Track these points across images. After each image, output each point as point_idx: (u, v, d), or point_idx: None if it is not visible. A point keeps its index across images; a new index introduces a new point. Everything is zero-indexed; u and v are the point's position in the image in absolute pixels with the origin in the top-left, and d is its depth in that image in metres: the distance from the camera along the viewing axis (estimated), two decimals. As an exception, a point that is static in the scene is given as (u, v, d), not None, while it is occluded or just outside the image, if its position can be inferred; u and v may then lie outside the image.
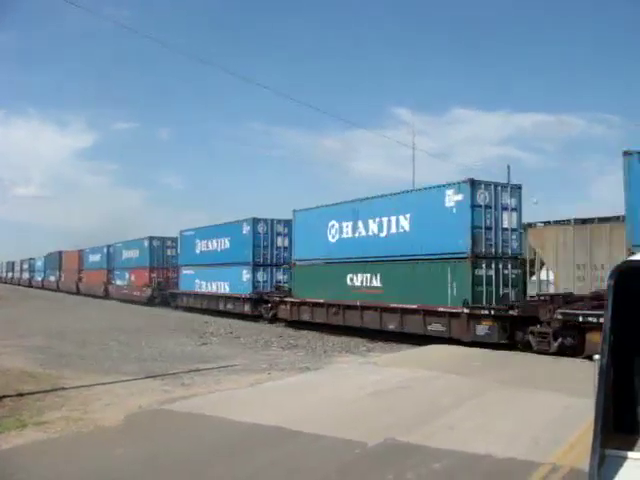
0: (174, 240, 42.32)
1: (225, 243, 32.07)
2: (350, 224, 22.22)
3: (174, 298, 39.11)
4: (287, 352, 17.85)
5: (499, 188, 18.27)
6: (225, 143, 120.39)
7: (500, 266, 17.95)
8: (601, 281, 18.30)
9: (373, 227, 21.10)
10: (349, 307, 21.77)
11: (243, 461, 6.87)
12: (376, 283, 20.80)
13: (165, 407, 9.70)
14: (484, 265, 17.69)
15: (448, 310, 17.79)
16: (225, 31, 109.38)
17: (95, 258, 56.62)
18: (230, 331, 23.96)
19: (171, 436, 8.03)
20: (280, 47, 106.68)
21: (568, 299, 16.00)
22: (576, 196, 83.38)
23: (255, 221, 29.42)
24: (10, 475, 6.46)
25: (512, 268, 18.37)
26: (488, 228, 17.84)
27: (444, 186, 18.39)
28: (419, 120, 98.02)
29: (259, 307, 28.53)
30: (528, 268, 21.50)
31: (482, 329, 16.88)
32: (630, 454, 3.16)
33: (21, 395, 10.34)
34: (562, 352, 14.73)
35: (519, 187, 18.90)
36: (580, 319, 14.39)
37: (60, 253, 69.20)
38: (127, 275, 47.56)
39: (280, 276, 29.49)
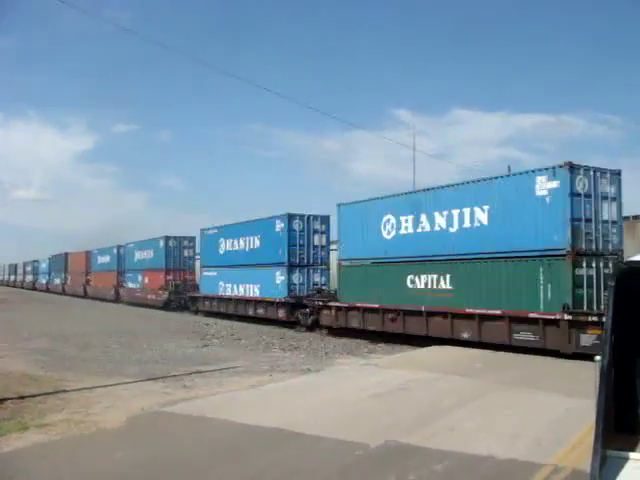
0: (191, 240, 40.26)
1: (254, 242, 29.20)
2: (410, 218, 19.66)
3: (194, 302, 36.20)
4: (288, 354, 17.85)
5: (598, 174, 15.93)
6: (225, 144, 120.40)
7: (601, 264, 15.59)
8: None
9: (440, 221, 18.57)
10: (410, 313, 19.16)
11: (244, 463, 6.87)
12: (444, 285, 18.28)
13: (166, 409, 9.70)
14: (585, 264, 15.37)
15: (542, 316, 15.32)
16: (224, 32, 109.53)
17: (104, 260, 53.90)
18: (231, 333, 23.96)
19: (172, 438, 8.03)
20: (279, 48, 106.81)
21: None
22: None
23: (290, 217, 26.65)
24: (11, 478, 6.46)
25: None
26: (588, 220, 15.61)
27: (534, 172, 16.16)
28: (419, 121, 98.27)
29: (296, 312, 25.57)
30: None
31: (588, 339, 14.34)
32: (632, 455, 3.16)
33: (22, 398, 10.34)
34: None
35: (619, 173, 16.44)
36: None
37: (66, 255, 66.49)
38: (140, 277, 44.75)
39: (317, 278, 27.05)
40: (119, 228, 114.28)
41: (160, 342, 20.17)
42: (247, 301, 29.75)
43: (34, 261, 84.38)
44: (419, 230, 19.37)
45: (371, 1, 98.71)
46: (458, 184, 18.78)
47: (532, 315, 15.51)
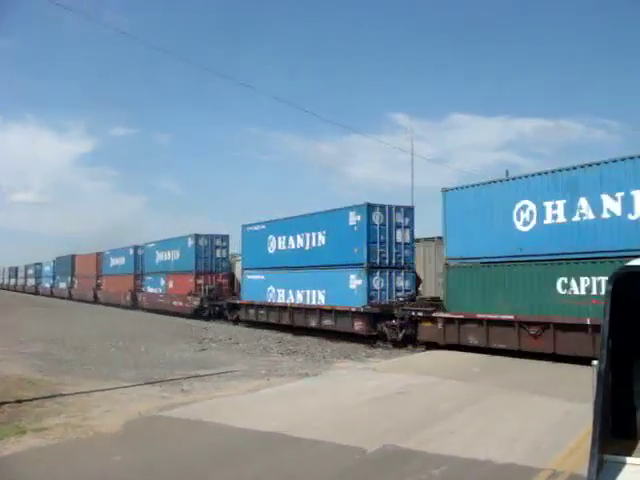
0: (224, 238, 35.85)
1: (318, 239, 24.30)
2: (560, 204, 15.46)
3: (233, 310, 31.19)
4: (286, 358, 17.83)
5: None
6: (223, 148, 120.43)
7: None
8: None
9: (611, 205, 14.36)
10: (565, 327, 14.73)
11: (242, 467, 6.86)
12: None
13: (164, 413, 9.68)
14: None
15: None
16: (222, 34, 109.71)
17: (118, 262, 48.70)
18: (229, 337, 23.93)
19: (170, 442, 8.02)
20: (279, 49, 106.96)
21: None
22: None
23: (370, 208, 21.92)
24: (8, 482, 6.44)
25: None
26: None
27: None
28: (417, 125, 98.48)
29: (379, 325, 20.95)
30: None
31: None
32: (629, 459, 3.16)
33: (20, 401, 10.31)
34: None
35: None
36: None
37: (72, 257, 61.45)
38: (163, 281, 39.54)
39: (400, 282, 22.30)
40: (119, 230, 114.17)
41: (158, 346, 20.13)
42: (308, 310, 24.57)
43: (36, 264, 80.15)
44: (575, 219, 15.16)
45: (369, 5, 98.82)
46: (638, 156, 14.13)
47: None
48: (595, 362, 3.21)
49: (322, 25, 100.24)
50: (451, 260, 18.52)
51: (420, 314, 19.17)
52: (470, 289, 17.58)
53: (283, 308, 26.18)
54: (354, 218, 22.37)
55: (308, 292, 24.69)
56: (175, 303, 36.90)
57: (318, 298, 24.14)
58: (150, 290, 42.03)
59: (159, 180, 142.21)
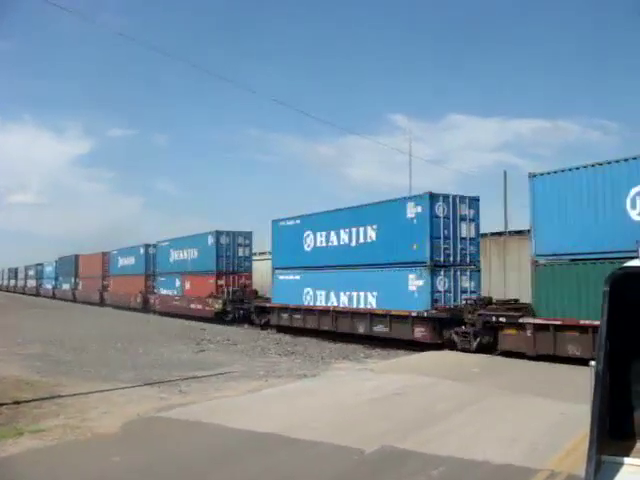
0: (247, 236, 33.20)
1: (368, 234, 21.49)
2: None
3: (261, 314, 28.50)
4: (284, 359, 17.83)
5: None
6: (221, 149, 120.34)
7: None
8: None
9: None
10: None
11: (240, 468, 6.87)
12: None
13: (162, 415, 9.68)
14: None
15: None
16: (221, 34, 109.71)
17: (127, 261, 45.83)
18: (227, 338, 23.92)
19: (168, 444, 8.02)
20: (278, 49, 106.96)
21: None
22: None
23: (432, 198, 19.22)
24: (6, 484, 6.44)
25: None
26: None
27: None
28: (415, 126, 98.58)
29: (447, 332, 18.35)
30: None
31: None
32: (626, 460, 3.18)
33: (18, 403, 10.31)
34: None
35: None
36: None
37: (76, 257, 59.04)
38: (178, 282, 36.67)
39: (466, 282, 19.92)
40: (116, 232, 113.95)
41: (156, 347, 20.13)
42: (356, 315, 21.80)
43: (37, 264, 77.54)
44: None
45: (367, 6, 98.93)
46: None
47: None
48: (593, 363, 3.22)
49: (322, 25, 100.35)
50: (541, 257, 16.14)
51: (502, 320, 16.64)
52: (568, 290, 15.09)
53: (324, 312, 23.30)
54: (413, 210, 19.54)
55: (355, 294, 21.97)
56: (193, 306, 34.18)
57: (368, 301, 21.36)
58: (163, 292, 39.15)
59: (157, 181, 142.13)
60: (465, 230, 19.88)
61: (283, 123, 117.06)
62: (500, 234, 22.34)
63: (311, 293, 24.32)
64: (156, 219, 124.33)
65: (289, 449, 7.59)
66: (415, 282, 19.36)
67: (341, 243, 22.88)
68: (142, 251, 42.72)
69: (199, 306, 33.50)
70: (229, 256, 32.61)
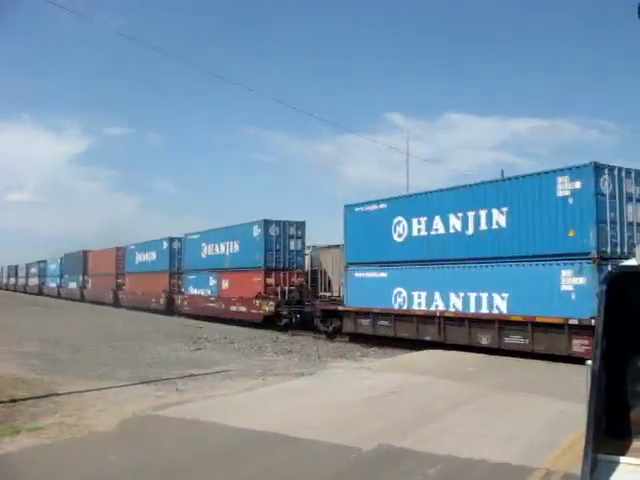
0: (300, 226, 28.62)
1: (493, 219, 16.83)
2: None
3: (328, 319, 23.49)
4: (281, 357, 17.84)
5: None
6: (220, 148, 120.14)
7: None
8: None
9: None
10: None
11: (237, 467, 6.86)
12: None
13: (159, 413, 9.67)
14: None
15: None
16: (221, 34, 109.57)
17: (147, 257, 41.16)
18: (224, 336, 23.92)
19: (164, 442, 8.01)
20: (278, 48, 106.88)
21: None
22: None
23: (597, 170, 14.74)
24: (3, 482, 6.43)
25: None
26: None
27: None
28: (413, 125, 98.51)
29: None
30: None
31: None
32: (622, 459, 3.18)
33: (14, 401, 10.28)
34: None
35: None
36: None
37: (85, 253, 55.03)
38: (213, 281, 32.14)
39: None
40: (115, 231, 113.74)
41: (153, 345, 20.12)
42: (475, 322, 17.23)
43: (40, 262, 73.46)
44: None
45: (370, 2, 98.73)
46: None
47: None
48: (589, 362, 3.23)
49: (321, 26, 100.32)
50: None
51: None
52: None
53: (427, 318, 18.77)
54: (567, 186, 15.08)
55: (473, 296, 17.33)
56: (234, 308, 29.51)
57: (494, 304, 16.79)
58: (193, 291, 34.64)
59: (156, 180, 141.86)
60: (631, 213, 15.19)
61: (281, 122, 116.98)
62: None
63: (404, 294, 19.69)
64: (155, 218, 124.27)
65: (287, 448, 7.58)
66: (572, 280, 14.85)
67: (450, 231, 18.15)
68: (165, 245, 38.07)
69: (242, 308, 28.79)
70: (279, 250, 27.92)
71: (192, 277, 35.08)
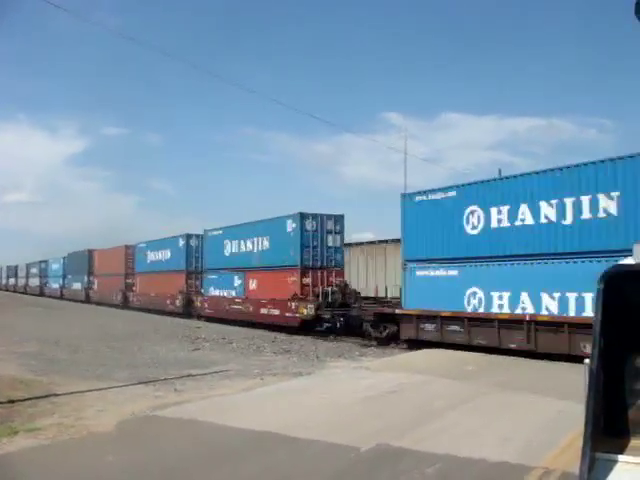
0: (339, 220, 25.79)
1: (598, 206, 14.57)
2: None
3: (382, 323, 20.73)
4: (280, 357, 17.83)
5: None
6: (218, 148, 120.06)
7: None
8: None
9: None
10: None
11: (236, 467, 6.85)
12: None
13: (157, 413, 9.66)
14: None
15: None
16: (220, 34, 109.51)
17: (161, 256, 38.56)
18: (222, 336, 23.90)
19: (163, 442, 8.00)
20: (277, 48, 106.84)
21: None
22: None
23: None
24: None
25: None
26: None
27: None
28: (410, 124, 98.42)
29: None
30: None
31: None
32: (620, 457, 3.19)
33: (12, 402, 10.26)
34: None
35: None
36: None
37: (90, 252, 52.67)
38: (238, 280, 29.40)
39: None
40: (115, 230, 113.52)
41: (151, 346, 20.11)
42: (575, 327, 14.45)
43: (41, 261, 71.34)
44: None
45: (370, 2, 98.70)
46: None
47: None
48: (587, 361, 3.23)
49: (321, 26, 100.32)
50: None
51: None
52: None
53: (512, 323, 16.23)
54: None
55: (572, 296, 14.80)
56: (265, 311, 26.59)
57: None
58: (215, 292, 31.94)
59: (153, 180, 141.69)
60: None
61: (280, 122, 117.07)
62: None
63: (480, 295, 17.20)
64: (154, 218, 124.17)
65: (286, 447, 7.58)
66: None
67: (541, 221, 15.77)
68: (182, 243, 35.42)
69: (275, 311, 25.79)
70: (316, 246, 25.05)
71: (213, 277, 32.41)
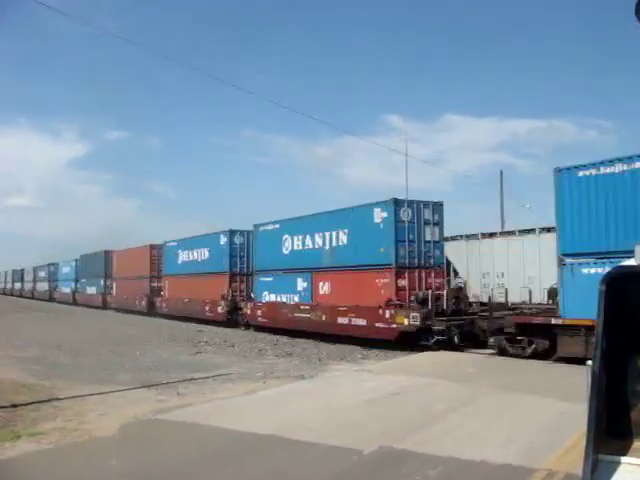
0: (437, 208, 20.80)
1: None
2: None
3: (524, 337, 16.10)
4: (282, 360, 17.81)
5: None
6: (220, 151, 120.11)
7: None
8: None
9: None
10: None
11: (239, 470, 6.86)
12: None
13: (160, 417, 9.67)
14: None
15: None
16: (220, 34, 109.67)
17: (196, 256, 33.69)
18: (224, 340, 23.88)
19: (166, 446, 8.00)
20: (277, 48, 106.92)
21: None
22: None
23: None
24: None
25: None
26: None
27: None
28: (411, 127, 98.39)
29: None
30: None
31: None
32: (623, 459, 3.18)
33: (15, 406, 10.27)
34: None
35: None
36: None
37: (106, 254, 47.84)
38: (304, 283, 24.25)
39: None
40: (117, 233, 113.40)
41: (153, 349, 20.10)
42: None
43: (50, 264, 66.80)
44: None
45: (370, 2, 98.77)
46: None
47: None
48: (589, 362, 3.23)
49: (321, 26, 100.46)
50: None
51: None
52: None
53: None
54: None
55: None
56: (345, 321, 21.38)
57: None
58: (270, 297, 26.68)
59: (154, 184, 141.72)
60: None
61: (280, 124, 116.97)
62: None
63: None
64: (156, 221, 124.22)
65: (288, 450, 7.58)
66: None
67: None
68: (224, 240, 30.55)
69: (359, 321, 20.75)
70: (412, 241, 20.10)
71: (267, 279, 27.11)
